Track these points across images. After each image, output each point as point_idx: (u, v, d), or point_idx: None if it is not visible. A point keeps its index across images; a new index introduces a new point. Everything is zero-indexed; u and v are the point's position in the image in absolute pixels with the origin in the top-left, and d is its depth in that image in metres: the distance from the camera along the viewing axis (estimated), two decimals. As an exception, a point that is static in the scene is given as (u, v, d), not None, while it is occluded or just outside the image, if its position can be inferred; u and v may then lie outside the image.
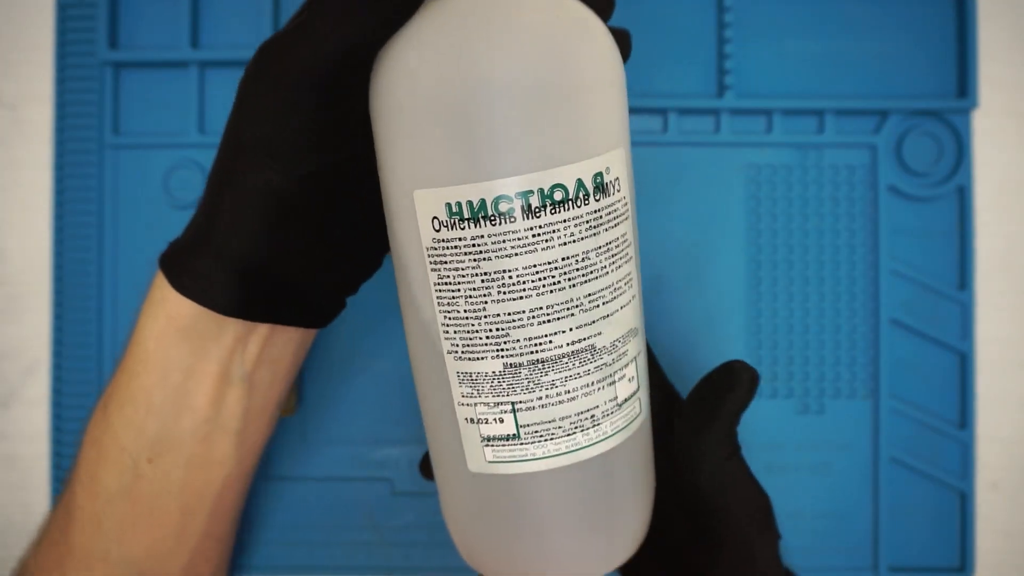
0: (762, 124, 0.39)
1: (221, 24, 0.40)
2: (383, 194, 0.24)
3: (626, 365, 0.24)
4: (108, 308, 0.39)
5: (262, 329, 0.28)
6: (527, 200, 0.22)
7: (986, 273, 0.39)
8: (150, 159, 0.39)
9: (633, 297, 0.25)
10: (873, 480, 0.39)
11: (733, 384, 0.27)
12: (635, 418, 0.25)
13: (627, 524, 0.26)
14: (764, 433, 0.39)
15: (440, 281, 0.23)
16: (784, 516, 0.39)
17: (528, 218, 0.22)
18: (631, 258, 0.24)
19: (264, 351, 0.29)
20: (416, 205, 0.23)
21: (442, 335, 0.23)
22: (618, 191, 0.23)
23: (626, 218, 0.24)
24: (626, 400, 0.25)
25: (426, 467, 0.32)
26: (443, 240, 0.22)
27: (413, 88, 0.22)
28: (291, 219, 0.26)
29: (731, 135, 0.39)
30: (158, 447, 0.29)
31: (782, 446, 0.39)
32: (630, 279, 0.24)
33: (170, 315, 0.27)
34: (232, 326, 0.27)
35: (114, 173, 0.39)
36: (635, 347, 0.25)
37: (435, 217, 0.22)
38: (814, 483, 0.39)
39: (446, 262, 0.23)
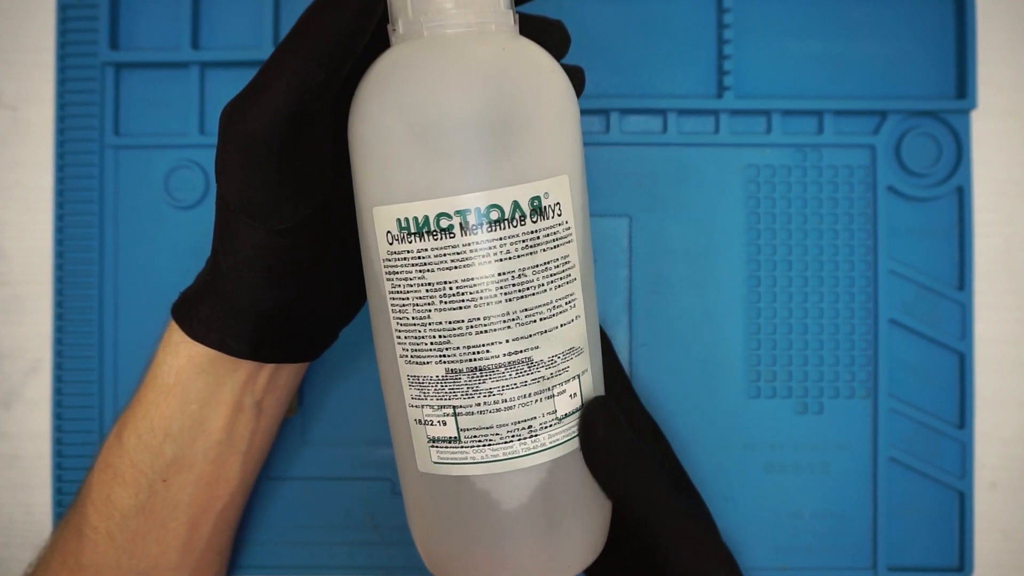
0: (761, 125, 0.39)
1: (222, 25, 0.40)
2: (356, 212, 0.26)
3: (567, 381, 0.25)
4: (109, 308, 0.39)
5: (270, 364, 0.31)
6: (465, 218, 0.23)
7: (985, 273, 0.40)
8: (151, 160, 0.39)
9: (577, 317, 0.26)
10: (872, 480, 0.39)
11: (594, 421, 0.26)
12: (578, 435, 0.26)
13: (572, 539, 0.27)
14: (763, 433, 0.39)
15: (393, 290, 0.25)
16: (783, 516, 0.39)
17: (466, 234, 0.24)
18: (574, 280, 0.25)
19: (271, 381, 0.31)
20: (374, 220, 0.25)
21: (395, 340, 0.25)
22: (558, 215, 0.25)
23: (568, 241, 0.25)
24: (567, 415, 0.26)
25: None
26: (395, 252, 0.24)
27: (372, 120, 0.24)
28: (286, 269, 0.28)
29: (731, 136, 0.39)
30: (173, 468, 0.31)
31: (781, 446, 0.39)
32: (572, 300, 0.25)
33: (190, 355, 0.30)
34: (245, 363, 0.30)
35: (115, 173, 0.39)
36: (579, 366, 0.26)
37: (389, 231, 0.24)
38: (813, 483, 0.39)
39: (397, 272, 0.25)
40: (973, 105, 0.39)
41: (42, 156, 0.40)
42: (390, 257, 0.25)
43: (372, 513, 0.39)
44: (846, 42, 0.39)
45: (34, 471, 0.40)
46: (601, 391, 0.28)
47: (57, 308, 0.39)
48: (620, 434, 0.26)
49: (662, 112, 0.39)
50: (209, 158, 0.39)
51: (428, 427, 0.25)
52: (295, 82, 0.25)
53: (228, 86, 0.39)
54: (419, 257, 0.24)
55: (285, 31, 0.39)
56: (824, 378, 0.39)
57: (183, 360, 0.30)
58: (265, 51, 0.39)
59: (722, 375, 0.39)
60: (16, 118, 0.40)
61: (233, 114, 0.26)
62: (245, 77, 0.38)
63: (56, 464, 0.39)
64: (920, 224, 0.39)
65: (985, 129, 0.40)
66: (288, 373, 0.32)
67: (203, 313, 0.29)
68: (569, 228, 0.25)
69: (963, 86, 0.39)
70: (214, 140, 0.38)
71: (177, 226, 0.39)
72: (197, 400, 0.30)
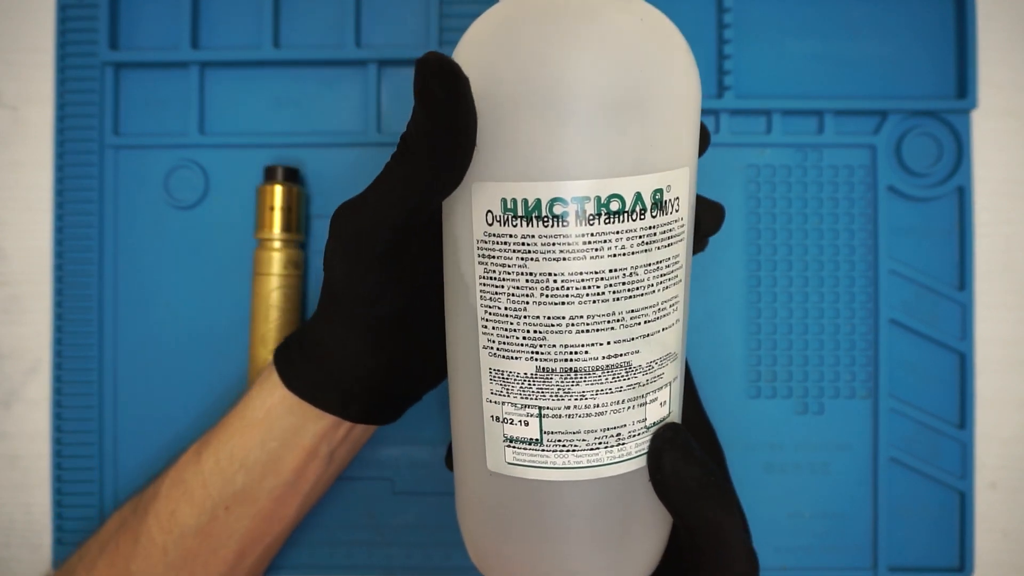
0: (762, 124, 0.39)
1: (221, 25, 0.40)
2: None
3: (659, 388, 0.24)
4: (109, 308, 0.39)
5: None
6: (582, 206, 0.21)
7: (985, 273, 0.39)
8: (150, 159, 0.39)
9: (677, 321, 0.24)
10: (872, 480, 0.39)
11: (660, 455, 0.25)
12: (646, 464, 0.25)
13: (638, 549, 0.25)
14: (763, 433, 0.39)
15: (485, 275, 0.23)
16: (784, 516, 0.39)
17: (581, 224, 0.21)
18: (680, 281, 0.24)
19: (348, 435, 0.33)
20: (472, 196, 0.22)
21: (480, 330, 0.23)
22: (676, 211, 0.23)
23: (681, 240, 0.23)
24: (655, 424, 0.24)
25: (450, 459, 0.33)
26: (494, 235, 0.22)
27: (484, 80, 0.22)
28: (380, 346, 0.29)
29: (731, 135, 0.39)
30: (238, 498, 0.32)
31: (781, 446, 0.39)
32: (676, 302, 0.24)
33: (284, 396, 0.31)
34: (330, 416, 0.31)
35: (114, 173, 0.39)
36: (672, 372, 0.24)
37: (489, 211, 0.22)
38: (813, 483, 0.39)
39: (494, 257, 0.22)
40: (973, 105, 0.38)
41: (42, 156, 0.40)
42: (487, 239, 0.22)
43: (372, 513, 0.39)
44: (846, 42, 0.39)
45: (34, 471, 0.40)
46: (681, 399, 0.26)
47: (57, 308, 0.39)
48: (690, 467, 0.24)
49: (662, 112, 0.39)
50: (209, 158, 0.39)
51: (507, 426, 0.24)
52: (400, 205, 0.24)
53: (228, 86, 0.39)
54: (523, 243, 0.22)
55: (285, 31, 0.39)
56: (824, 378, 0.39)
57: (276, 400, 0.31)
58: (265, 51, 0.39)
59: (722, 375, 0.39)
60: (16, 118, 0.40)
61: (342, 220, 0.26)
62: (245, 77, 0.39)
63: (56, 464, 0.39)
64: (920, 224, 0.39)
65: (985, 129, 0.40)
66: (362, 430, 0.33)
67: (300, 366, 0.31)
68: (683, 225, 0.23)
69: (963, 86, 0.39)
70: (214, 140, 0.39)
71: (177, 226, 0.39)
72: (279, 439, 0.31)
